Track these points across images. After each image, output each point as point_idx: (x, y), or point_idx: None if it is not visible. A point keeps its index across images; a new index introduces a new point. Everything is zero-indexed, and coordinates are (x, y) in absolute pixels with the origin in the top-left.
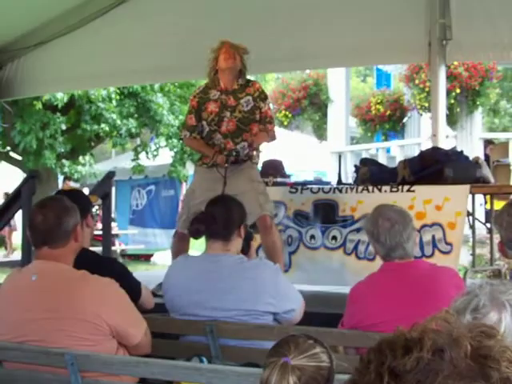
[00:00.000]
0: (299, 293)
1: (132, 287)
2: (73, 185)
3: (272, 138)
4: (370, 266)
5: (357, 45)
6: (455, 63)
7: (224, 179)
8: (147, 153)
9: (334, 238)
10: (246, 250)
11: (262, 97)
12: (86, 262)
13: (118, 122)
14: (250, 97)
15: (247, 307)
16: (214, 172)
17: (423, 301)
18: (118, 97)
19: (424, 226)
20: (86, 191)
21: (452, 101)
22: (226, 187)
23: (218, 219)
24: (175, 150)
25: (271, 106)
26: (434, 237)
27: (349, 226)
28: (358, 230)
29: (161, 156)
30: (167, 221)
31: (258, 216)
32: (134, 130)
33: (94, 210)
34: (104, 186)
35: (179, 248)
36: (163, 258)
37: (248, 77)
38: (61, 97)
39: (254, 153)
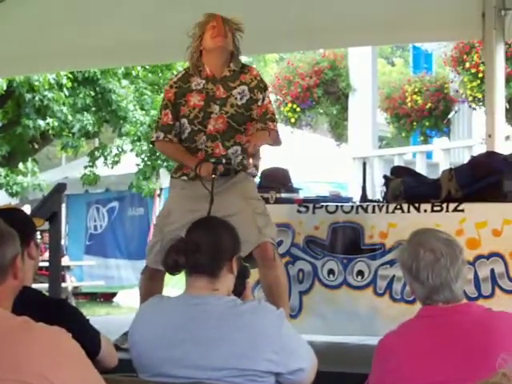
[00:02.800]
0: (310, 346)
1: (89, 339)
2: (10, 202)
3: (275, 141)
4: (410, 311)
5: (387, 16)
6: None
7: (211, 196)
8: (106, 158)
9: (361, 273)
10: (239, 289)
11: (261, 86)
12: (28, 305)
13: (70, 117)
14: (245, 86)
15: (242, 365)
16: (197, 186)
17: (474, 358)
18: (70, 84)
19: (479, 257)
20: (27, 209)
21: None
22: (214, 206)
23: (203, 248)
24: (143, 156)
25: (273, 97)
26: (493, 271)
27: (379, 258)
28: (391, 263)
29: (127, 163)
30: (134, 249)
31: (255, 244)
32: (90, 128)
33: (37, 235)
34: (51, 203)
35: (150, 289)
36: (129, 298)
37: (243, 60)
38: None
39: (250, 160)
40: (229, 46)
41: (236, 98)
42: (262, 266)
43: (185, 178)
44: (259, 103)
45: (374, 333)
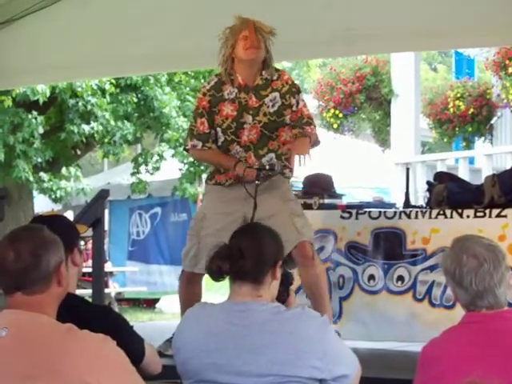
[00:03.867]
0: (353, 353)
1: (133, 345)
2: (52, 208)
3: (314, 143)
4: (449, 316)
5: (430, 22)
6: None
7: (254, 202)
8: (147, 165)
9: (401, 278)
10: (283, 296)
11: (293, 91)
12: (73, 312)
13: (112, 122)
14: (276, 93)
15: (286, 372)
16: (232, 189)
17: None
18: (112, 89)
19: None
20: (70, 215)
21: None
22: (249, 214)
23: (247, 255)
24: (185, 161)
25: (315, 103)
26: None
27: (420, 263)
28: (431, 269)
29: (169, 169)
30: (177, 255)
31: (294, 243)
32: (130, 138)
33: (81, 242)
34: (95, 210)
35: (188, 293)
36: (172, 304)
37: (286, 65)
38: (43, 90)
39: (292, 165)
40: (261, 57)
41: (268, 106)
42: (302, 265)
43: (219, 186)
44: (293, 108)
45: (412, 338)
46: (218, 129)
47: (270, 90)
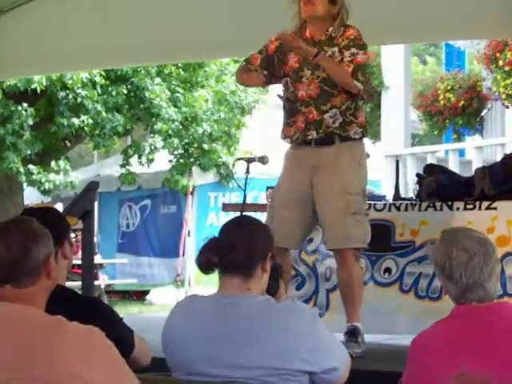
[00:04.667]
0: (343, 345)
1: (122, 337)
2: (42, 200)
3: (357, 92)
4: (434, 308)
5: (421, 14)
6: None
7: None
8: (140, 157)
9: (388, 270)
10: (273, 288)
11: (351, 44)
12: (62, 304)
13: (104, 114)
14: (335, 48)
15: (276, 365)
16: (303, 153)
17: (508, 357)
18: (103, 81)
19: (508, 254)
20: (59, 208)
21: None
22: (314, 179)
23: (237, 247)
24: (175, 152)
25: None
26: None
27: (408, 255)
28: (419, 261)
29: (159, 161)
30: (167, 247)
31: (337, 247)
32: (120, 129)
33: (72, 235)
34: (84, 202)
35: None
36: (162, 296)
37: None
38: (39, 79)
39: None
40: (319, 12)
41: None
42: (338, 264)
43: (288, 140)
44: (345, 60)
45: (398, 330)
46: (288, 79)
47: (331, 45)
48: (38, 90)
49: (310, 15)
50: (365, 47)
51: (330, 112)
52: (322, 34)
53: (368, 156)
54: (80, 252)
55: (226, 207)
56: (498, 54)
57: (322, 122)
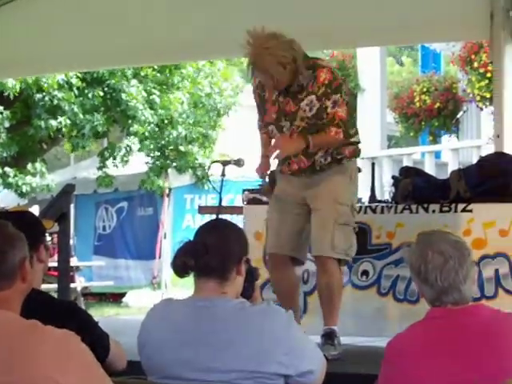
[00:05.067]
0: (318, 348)
1: (98, 341)
2: (18, 202)
3: (346, 142)
4: (413, 311)
5: (396, 16)
6: None
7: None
8: (115, 158)
9: (365, 273)
10: (248, 292)
11: (329, 92)
12: (38, 308)
13: (81, 115)
14: (313, 96)
15: (251, 368)
16: (298, 178)
17: (482, 360)
18: (79, 83)
19: (484, 256)
20: (36, 210)
21: None
22: (307, 192)
23: (212, 250)
24: (152, 154)
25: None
26: (497, 271)
27: (385, 258)
28: (396, 263)
29: (135, 163)
30: (144, 249)
31: (321, 253)
32: (100, 129)
33: (48, 238)
34: (60, 204)
35: (279, 279)
36: (138, 299)
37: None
38: (13, 85)
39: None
40: (285, 82)
41: (305, 111)
42: (318, 270)
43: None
44: (328, 111)
45: (377, 333)
46: (272, 127)
47: (305, 93)
48: (12, 97)
49: (279, 90)
50: (342, 85)
51: (319, 153)
52: (293, 84)
53: (360, 170)
54: (56, 254)
55: (202, 210)
56: (473, 56)
57: (314, 164)
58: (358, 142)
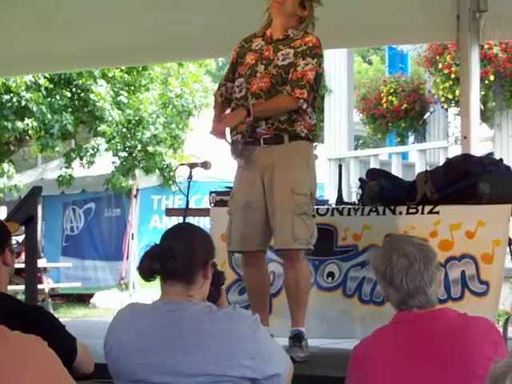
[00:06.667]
0: (285, 352)
1: (65, 345)
2: None
3: (296, 108)
4: (378, 313)
5: (362, 18)
6: (490, 42)
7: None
8: (81, 158)
9: (331, 274)
10: (214, 296)
11: (307, 53)
12: (4, 312)
13: (49, 116)
14: (291, 50)
15: (218, 371)
16: (248, 152)
17: (450, 364)
18: (47, 83)
19: (451, 258)
20: (3, 211)
21: (484, 91)
22: (270, 175)
23: (178, 254)
24: (119, 154)
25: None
26: (463, 273)
27: (351, 260)
28: (362, 265)
29: (103, 164)
30: (111, 250)
31: (284, 247)
32: (70, 128)
33: (14, 241)
34: (27, 207)
35: (253, 277)
36: (106, 300)
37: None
38: None
39: (303, 123)
40: (288, 9)
41: (279, 59)
42: (285, 266)
43: (239, 137)
44: (298, 68)
45: (342, 335)
46: (242, 80)
47: (287, 46)
48: None
49: (275, 13)
50: (321, 57)
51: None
52: (280, 33)
53: (316, 157)
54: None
55: (169, 212)
56: (437, 57)
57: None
58: (314, 125)
